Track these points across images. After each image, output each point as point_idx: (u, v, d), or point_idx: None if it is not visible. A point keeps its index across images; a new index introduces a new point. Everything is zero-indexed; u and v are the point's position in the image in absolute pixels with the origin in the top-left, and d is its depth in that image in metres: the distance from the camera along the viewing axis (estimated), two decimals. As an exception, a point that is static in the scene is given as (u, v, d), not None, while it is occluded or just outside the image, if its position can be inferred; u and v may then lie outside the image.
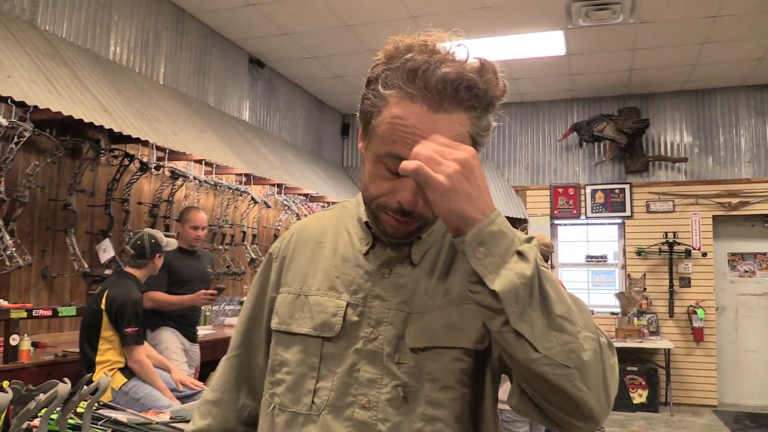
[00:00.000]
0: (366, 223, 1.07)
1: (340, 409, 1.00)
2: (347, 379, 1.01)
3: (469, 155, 0.83)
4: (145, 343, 3.86)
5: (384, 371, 1.00)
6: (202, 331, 5.19)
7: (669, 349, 7.09)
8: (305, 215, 6.49)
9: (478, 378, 1.03)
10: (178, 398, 3.61)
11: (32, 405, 1.67)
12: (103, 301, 3.45)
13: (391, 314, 1.02)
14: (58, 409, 1.74)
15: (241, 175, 5.69)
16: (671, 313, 7.37)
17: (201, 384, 3.83)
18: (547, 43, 6.24)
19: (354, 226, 1.11)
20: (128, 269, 3.70)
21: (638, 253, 7.56)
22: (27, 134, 3.54)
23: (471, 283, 0.84)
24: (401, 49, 0.94)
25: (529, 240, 0.87)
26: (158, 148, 4.59)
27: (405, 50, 0.94)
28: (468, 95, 0.92)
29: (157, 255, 3.71)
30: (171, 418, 2.21)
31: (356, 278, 1.05)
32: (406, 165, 0.84)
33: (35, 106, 3.42)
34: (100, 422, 2.00)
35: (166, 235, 3.97)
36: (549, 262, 7.78)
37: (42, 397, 1.68)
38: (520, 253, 0.83)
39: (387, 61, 0.96)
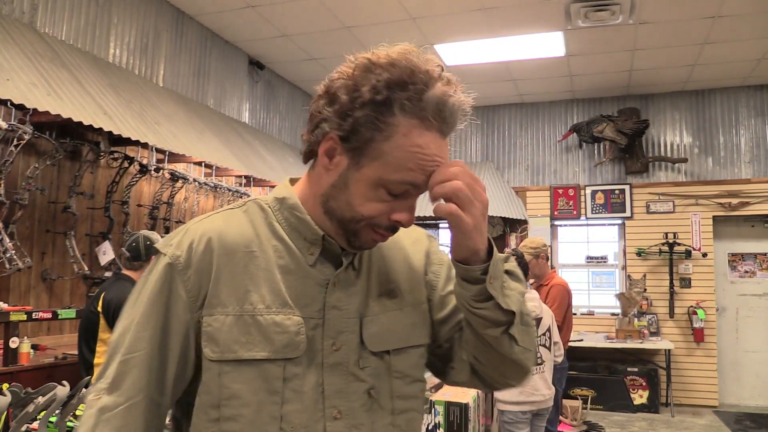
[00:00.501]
0: (324, 236, 1.01)
1: (311, 427, 0.95)
2: (315, 396, 0.96)
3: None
4: None
5: (351, 379, 0.99)
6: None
7: (669, 350, 7.08)
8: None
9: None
10: None
11: (31, 408, 1.67)
12: (100, 303, 3.45)
13: (349, 323, 1.00)
14: (57, 411, 1.74)
15: (241, 176, 5.70)
16: (671, 314, 7.36)
17: None
18: (546, 44, 6.24)
19: (288, 233, 1.02)
20: (125, 271, 3.70)
21: (638, 254, 7.56)
22: (27, 137, 3.54)
23: (476, 302, 0.96)
24: (413, 75, 0.94)
25: (506, 259, 1.01)
26: (158, 150, 4.59)
27: (420, 78, 0.94)
28: (457, 124, 0.99)
29: (153, 257, 3.70)
30: (169, 420, 2.21)
31: (306, 290, 0.99)
32: (443, 208, 0.93)
33: (35, 109, 3.43)
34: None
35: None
36: (549, 262, 7.78)
37: (41, 399, 1.68)
38: (508, 272, 0.99)
39: (398, 84, 0.93)
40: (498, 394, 3.48)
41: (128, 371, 0.95)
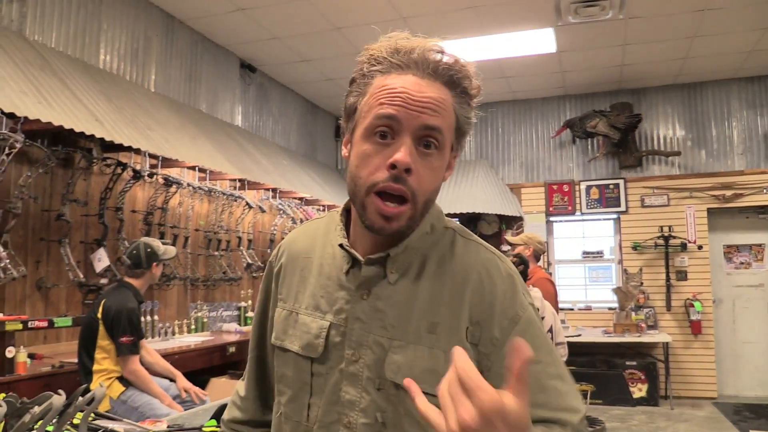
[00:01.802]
0: (341, 244, 1.04)
1: (328, 425, 1.01)
2: (332, 397, 1.01)
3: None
4: (149, 348, 3.85)
5: (363, 394, 0.99)
6: (200, 338, 5.19)
7: (667, 343, 7.09)
8: (300, 219, 6.49)
9: None
10: (183, 404, 3.60)
11: (27, 418, 1.66)
12: (100, 310, 3.45)
13: (370, 339, 1.00)
14: (53, 421, 1.73)
15: (235, 180, 5.69)
16: (669, 307, 7.38)
17: (203, 394, 3.81)
18: (537, 41, 6.25)
19: (337, 237, 1.08)
20: (127, 279, 3.69)
21: (634, 248, 7.57)
22: (18, 145, 3.53)
23: None
24: (383, 41, 1.01)
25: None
26: (151, 156, 4.58)
27: (387, 40, 1.01)
28: (447, 72, 0.98)
29: (155, 264, 3.69)
30: (168, 426, 2.20)
31: (339, 298, 1.04)
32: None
33: (26, 117, 3.41)
34: (97, 433, 2.00)
35: (163, 243, 3.96)
36: (545, 260, 7.79)
37: (37, 409, 1.67)
38: None
39: (368, 52, 1.01)
40: None
41: (251, 332, 1.26)
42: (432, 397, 0.84)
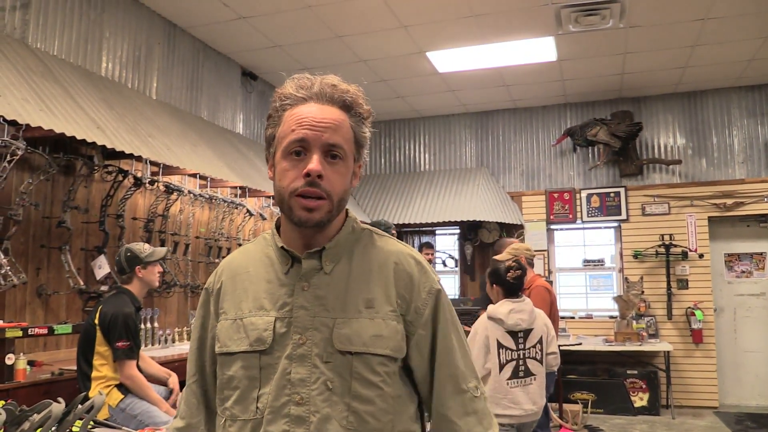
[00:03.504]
0: (282, 247, 1.25)
1: (278, 408, 1.16)
2: (281, 382, 1.17)
3: None
4: (142, 354, 3.84)
5: (313, 370, 1.17)
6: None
7: (668, 352, 7.08)
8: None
9: (400, 381, 1.24)
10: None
11: (26, 426, 1.66)
12: (97, 316, 3.44)
13: (316, 321, 1.19)
14: (52, 429, 1.72)
15: (236, 187, 5.69)
16: (670, 316, 7.36)
17: None
18: (538, 50, 6.27)
19: (274, 252, 1.28)
20: (123, 285, 3.69)
21: (635, 256, 7.56)
22: (20, 152, 3.53)
23: None
24: (288, 83, 1.27)
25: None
26: (152, 163, 4.59)
27: (291, 82, 1.27)
28: (341, 98, 1.24)
29: (139, 267, 3.66)
30: None
31: (281, 295, 1.23)
32: None
33: (27, 125, 3.42)
34: (96, 441, 1.99)
35: (159, 248, 3.95)
36: (546, 268, 7.78)
37: (36, 417, 1.67)
38: None
39: (278, 94, 1.26)
40: None
41: (188, 364, 1.38)
42: (381, 356, 1.18)
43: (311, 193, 1.17)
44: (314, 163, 1.17)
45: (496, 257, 4.68)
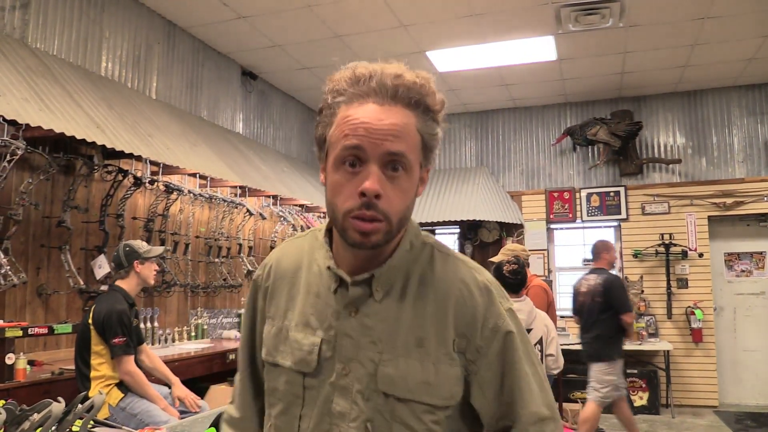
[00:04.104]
0: (328, 267, 1.11)
1: None
2: (323, 409, 1.08)
3: None
4: (150, 352, 3.84)
5: (353, 406, 1.06)
6: (200, 345, 5.18)
7: (668, 351, 7.08)
8: (301, 226, 6.49)
9: (450, 425, 1.09)
10: (180, 412, 3.59)
11: (26, 425, 1.66)
12: (91, 315, 3.44)
13: (360, 354, 1.07)
14: (52, 428, 1.73)
15: (235, 187, 5.69)
16: (669, 315, 7.37)
17: (199, 402, 3.80)
18: (538, 49, 6.27)
19: (324, 258, 1.14)
20: (117, 283, 3.69)
21: (635, 256, 7.57)
22: (20, 152, 3.53)
23: None
24: (345, 70, 1.07)
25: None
26: (152, 163, 4.59)
27: (348, 70, 1.06)
28: (407, 94, 1.03)
29: (137, 262, 3.67)
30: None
31: (328, 315, 1.10)
32: None
33: (27, 124, 3.42)
34: (96, 440, 1.99)
35: (157, 246, 3.96)
36: (546, 267, 7.78)
37: (36, 417, 1.67)
38: None
39: (332, 83, 1.07)
40: None
41: (239, 357, 1.31)
42: (427, 406, 1.05)
43: (366, 216, 1.00)
44: (371, 181, 0.99)
45: (492, 259, 4.68)
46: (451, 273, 1.11)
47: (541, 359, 3.53)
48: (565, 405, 6.39)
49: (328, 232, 1.16)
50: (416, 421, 1.05)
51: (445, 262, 1.13)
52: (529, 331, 3.48)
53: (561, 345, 6.11)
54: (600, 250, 5.32)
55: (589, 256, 7.96)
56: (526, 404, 1.08)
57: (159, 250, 3.82)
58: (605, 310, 4.97)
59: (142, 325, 4.33)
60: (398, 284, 1.09)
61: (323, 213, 7.10)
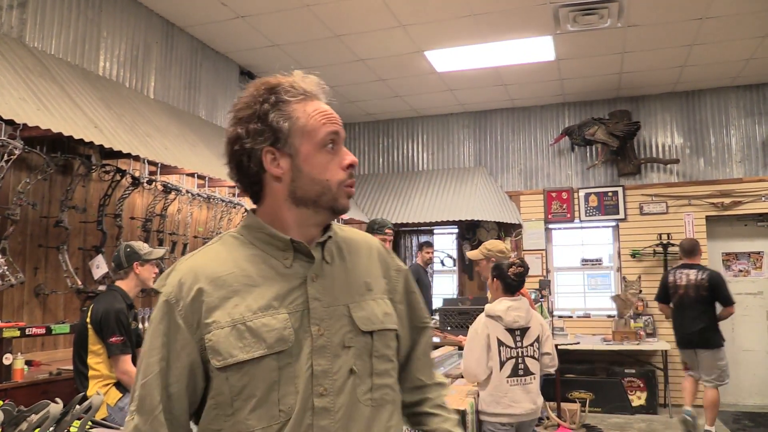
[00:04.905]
0: (291, 239, 1.22)
1: (302, 405, 1.14)
2: (305, 377, 1.15)
3: None
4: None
5: (334, 360, 1.18)
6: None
7: (666, 351, 7.09)
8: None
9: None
10: None
11: (24, 426, 1.65)
12: (89, 314, 3.44)
13: (331, 311, 1.21)
14: (50, 429, 1.72)
15: (234, 187, 5.69)
16: (667, 315, 7.36)
17: None
18: (536, 49, 6.27)
19: (262, 248, 1.24)
20: (116, 283, 3.68)
21: (633, 255, 7.57)
22: (17, 152, 3.53)
23: None
24: (272, 81, 1.27)
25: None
26: (150, 163, 4.58)
27: (274, 81, 1.27)
28: (329, 96, 1.31)
29: (137, 263, 3.66)
30: None
31: (289, 290, 1.20)
32: None
33: (25, 124, 3.41)
34: (94, 441, 1.99)
35: (158, 248, 3.96)
36: (544, 268, 7.78)
37: (34, 418, 1.66)
38: None
39: (269, 91, 1.24)
40: (479, 405, 3.41)
41: (146, 393, 1.16)
42: (393, 331, 1.30)
43: (352, 183, 1.27)
44: (352, 155, 1.28)
45: (469, 254, 4.65)
46: (360, 234, 1.42)
47: (539, 357, 3.53)
48: (563, 405, 6.40)
49: (247, 228, 1.28)
50: (388, 348, 1.28)
51: (350, 229, 1.42)
52: (527, 329, 3.47)
53: (559, 345, 6.14)
54: (697, 246, 5.90)
55: (588, 256, 8.02)
56: (421, 319, 1.45)
57: (160, 252, 3.81)
58: (710, 302, 5.64)
59: (140, 325, 4.32)
60: (334, 249, 1.30)
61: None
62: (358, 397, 1.20)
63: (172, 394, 1.16)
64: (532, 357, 3.47)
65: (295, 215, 1.25)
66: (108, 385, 3.40)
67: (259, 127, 1.22)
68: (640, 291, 7.43)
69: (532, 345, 3.48)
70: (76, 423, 1.84)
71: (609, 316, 7.62)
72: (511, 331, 3.43)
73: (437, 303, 6.97)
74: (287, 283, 1.20)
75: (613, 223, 7.83)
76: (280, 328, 1.15)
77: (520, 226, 7.98)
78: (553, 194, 7.96)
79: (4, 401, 1.81)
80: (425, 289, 6.65)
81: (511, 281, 3.53)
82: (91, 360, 3.41)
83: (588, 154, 7.96)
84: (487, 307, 3.53)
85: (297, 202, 1.24)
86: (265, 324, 1.15)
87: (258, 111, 1.22)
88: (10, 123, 3.44)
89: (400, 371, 1.37)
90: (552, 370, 3.73)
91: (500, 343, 3.40)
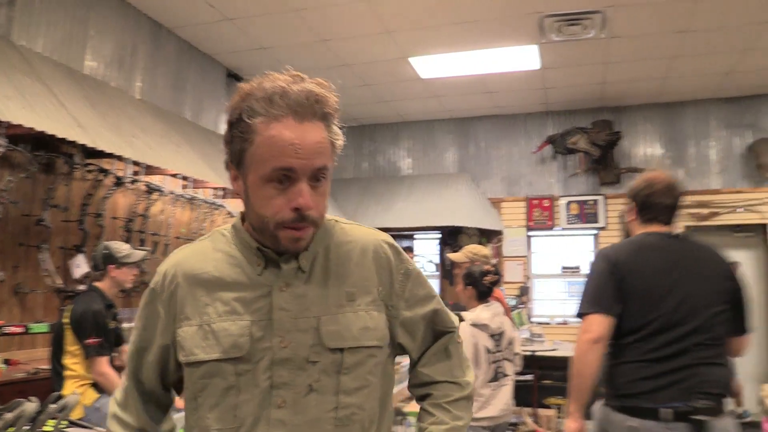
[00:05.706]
0: (258, 248, 1.18)
1: (258, 414, 1.13)
2: (263, 386, 1.13)
3: None
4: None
5: (298, 372, 1.14)
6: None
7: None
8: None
9: (385, 370, 1.26)
10: None
11: (-1, 424, 1.67)
12: (68, 315, 3.43)
13: (298, 322, 1.15)
14: (25, 427, 1.74)
15: (217, 188, 5.69)
16: (646, 323, 7.44)
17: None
18: (522, 58, 6.33)
19: (240, 251, 1.21)
20: (94, 283, 3.68)
21: (613, 264, 7.62)
22: (0, 150, 3.52)
23: None
24: (253, 86, 1.12)
25: None
26: (134, 163, 4.58)
27: (256, 85, 1.12)
28: (320, 110, 1.11)
29: (113, 266, 3.64)
30: None
31: (256, 297, 1.16)
32: None
33: (9, 122, 3.41)
34: (70, 440, 2.00)
35: (139, 249, 3.95)
36: (524, 274, 7.85)
37: (9, 416, 1.68)
38: None
39: (242, 99, 1.12)
40: None
41: (128, 360, 1.29)
42: (372, 348, 1.19)
43: (299, 227, 1.12)
44: (305, 198, 1.09)
45: (450, 255, 4.66)
46: (362, 235, 1.28)
47: (513, 358, 3.57)
48: (539, 411, 6.46)
49: (233, 228, 1.26)
50: (361, 366, 1.18)
51: (352, 229, 1.29)
52: (501, 333, 3.51)
53: (537, 351, 6.21)
54: None
55: (568, 264, 8.08)
56: (445, 325, 1.37)
57: (138, 255, 3.76)
58: None
59: (123, 325, 4.31)
60: (320, 254, 1.21)
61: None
62: (319, 414, 1.14)
63: (139, 376, 1.28)
64: (508, 359, 3.52)
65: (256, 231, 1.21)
66: (84, 385, 3.40)
67: (228, 138, 1.17)
68: (619, 299, 7.49)
69: (508, 348, 3.53)
70: (51, 422, 1.86)
71: (588, 323, 7.67)
72: (493, 336, 3.47)
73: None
74: (256, 290, 1.17)
75: (594, 232, 7.91)
76: (236, 335, 1.14)
77: (501, 232, 8.03)
78: (535, 201, 8.03)
79: (-20, 399, 1.82)
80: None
81: (485, 289, 3.56)
82: (68, 360, 3.40)
83: (570, 163, 8.03)
84: (470, 316, 3.50)
85: (252, 225, 1.20)
86: (225, 328, 1.15)
87: (230, 119, 1.15)
88: (-7, 121, 3.44)
89: (410, 367, 1.38)
90: (519, 369, 3.76)
91: (487, 351, 3.43)
